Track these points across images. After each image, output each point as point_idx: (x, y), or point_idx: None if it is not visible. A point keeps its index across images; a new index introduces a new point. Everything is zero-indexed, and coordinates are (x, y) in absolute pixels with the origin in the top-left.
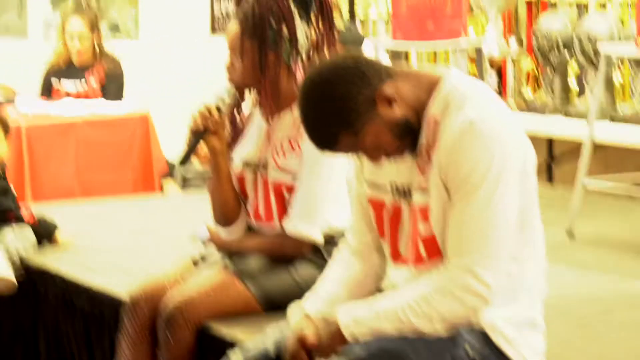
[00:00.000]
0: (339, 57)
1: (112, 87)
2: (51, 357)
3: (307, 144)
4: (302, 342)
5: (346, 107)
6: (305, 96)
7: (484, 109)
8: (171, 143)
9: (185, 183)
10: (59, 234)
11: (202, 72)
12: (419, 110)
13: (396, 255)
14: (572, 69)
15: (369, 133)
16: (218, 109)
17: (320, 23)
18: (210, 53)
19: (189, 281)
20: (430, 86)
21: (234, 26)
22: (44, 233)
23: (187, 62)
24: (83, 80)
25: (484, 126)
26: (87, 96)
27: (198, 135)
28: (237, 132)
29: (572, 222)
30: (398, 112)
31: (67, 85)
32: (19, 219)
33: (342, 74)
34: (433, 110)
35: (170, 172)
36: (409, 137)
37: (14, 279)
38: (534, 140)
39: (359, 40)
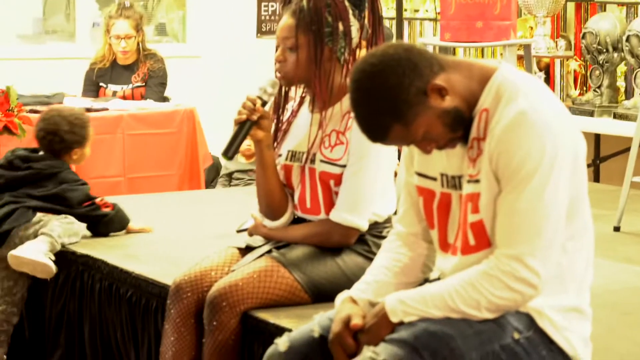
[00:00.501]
0: (390, 47)
1: (154, 84)
2: (95, 344)
3: (355, 135)
4: (347, 324)
5: (398, 98)
6: (356, 86)
7: (536, 100)
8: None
9: (230, 178)
10: (132, 225)
11: (248, 74)
12: (470, 102)
13: (445, 245)
14: (621, 69)
15: (421, 124)
16: (262, 101)
17: (370, 20)
18: (257, 55)
19: (234, 268)
20: (482, 78)
21: (287, 20)
22: (118, 225)
23: (234, 64)
24: (129, 85)
25: (536, 116)
26: (133, 99)
27: (242, 125)
28: (283, 124)
29: (620, 218)
30: (450, 103)
31: (113, 88)
32: (94, 209)
33: (394, 64)
34: (485, 101)
35: (216, 170)
36: (460, 128)
37: (52, 264)
38: None
39: (388, 37)
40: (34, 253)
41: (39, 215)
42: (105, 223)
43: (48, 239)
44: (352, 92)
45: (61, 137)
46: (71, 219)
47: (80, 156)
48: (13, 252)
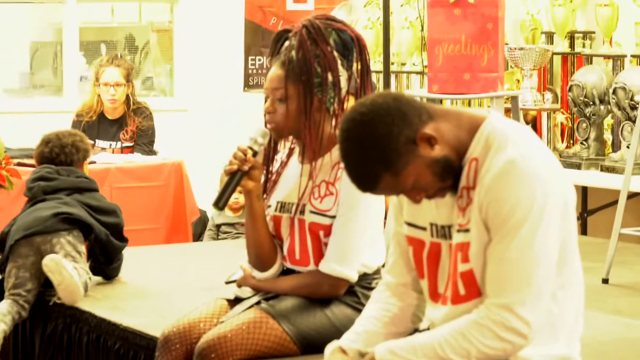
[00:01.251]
0: (379, 97)
1: (143, 142)
2: None
3: (344, 186)
4: None
5: (388, 147)
6: (346, 136)
7: (525, 149)
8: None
9: (218, 231)
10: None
11: (235, 127)
12: (460, 151)
13: (435, 295)
14: (608, 122)
15: (410, 174)
16: (252, 151)
17: (358, 70)
18: (244, 109)
19: (223, 320)
20: (471, 127)
21: (276, 71)
22: (115, 271)
23: (221, 118)
24: (118, 142)
25: (525, 165)
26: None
27: (233, 176)
28: (273, 175)
29: (608, 270)
30: (439, 152)
31: (102, 145)
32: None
33: (383, 113)
34: (474, 150)
35: (203, 223)
36: (450, 177)
37: (82, 292)
38: None
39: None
40: (74, 272)
41: (73, 234)
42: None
43: (85, 275)
44: (342, 142)
45: (76, 146)
46: (86, 270)
47: (86, 169)
48: (56, 258)
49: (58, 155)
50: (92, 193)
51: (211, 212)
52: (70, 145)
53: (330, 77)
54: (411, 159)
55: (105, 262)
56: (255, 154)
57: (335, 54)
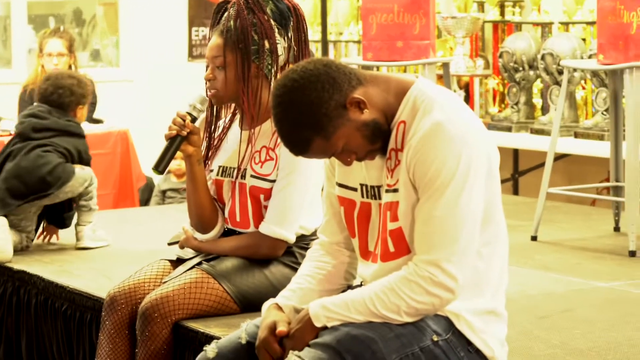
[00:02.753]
0: (309, 63)
1: None
2: (32, 357)
3: (284, 151)
4: (272, 330)
5: (318, 113)
6: (278, 101)
7: (451, 112)
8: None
9: (163, 197)
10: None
11: (179, 97)
12: (388, 115)
13: (365, 253)
14: (537, 87)
15: (341, 137)
16: (191, 117)
17: (296, 38)
18: (188, 78)
19: (166, 280)
20: (399, 91)
21: (215, 40)
22: (69, 220)
23: (165, 87)
24: None
25: (451, 127)
26: None
27: (172, 140)
28: (214, 141)
29: (536, 227)
30: (368, 116)
31: None
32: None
33: (314, 80)
34: (402, 114)
35: (150, 189)
36: (379, 140)
37: (9, 251)
38: (500, 154)
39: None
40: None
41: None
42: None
43: (20, 236)
44: (274, 107)
45: (72, 90)
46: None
47: (81, 115)
48: None
49: (52, 94)
50: (78, 139)
51: (157, 179)
52: (66, 88)
53: (267, 45)
54: (341, 123)
55: (67, 209)
56: (194, 119)
57: (272, 22)
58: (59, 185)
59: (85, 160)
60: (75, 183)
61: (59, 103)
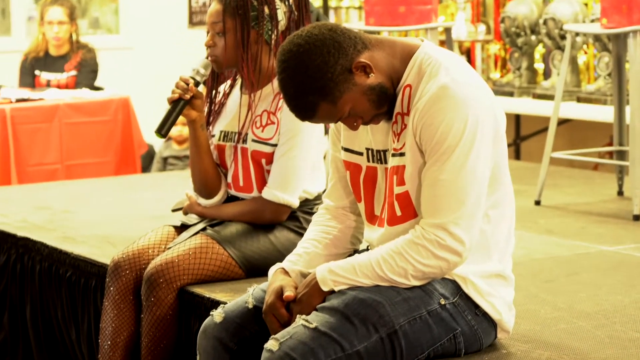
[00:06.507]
0: (314, 28)
1: (85, 73)
2: (37, 324)
3: (285, 115)
4: (279, 295)
5: (324, 77)
6: (283, 67)
7: (457, 75)
8: (152, 130)
9: (165, 164)
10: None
11: (180, 64)
12: (394, 79)
13: (372, 217)
14: (539, 52)
15: (347, 101)
16: (194, 81)
17: (296, 3)
18: (188, 45)
19: (170, 246)
20: (404, 55)
21: (214, 6)
22: None
23: (166, 54)
24: (63, 73)
25: (457, 90)
26: (67, 87)
27: (175, 104)
28: (216, 106)
29: (540, 192)
30: (374, 80)
31: (47, 77)
32: None
33: (319, 44)
34: (408, 77)
35: (151, 157)
36: (385, 104)
37: None
38: None
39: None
40: None
41: None
42: None
43: None
44: (279, 73)
45: None
46: None
47: None
48: None
49: None
50: None
51: (158, 146)
52: None
53: (266, 10)
54: (347, 88)
55: None
56: (197, 84)
57: None
58: None
59: None
60: None
61: None
